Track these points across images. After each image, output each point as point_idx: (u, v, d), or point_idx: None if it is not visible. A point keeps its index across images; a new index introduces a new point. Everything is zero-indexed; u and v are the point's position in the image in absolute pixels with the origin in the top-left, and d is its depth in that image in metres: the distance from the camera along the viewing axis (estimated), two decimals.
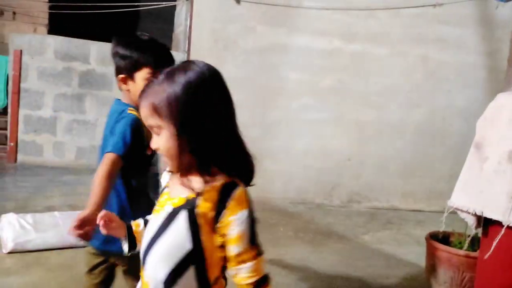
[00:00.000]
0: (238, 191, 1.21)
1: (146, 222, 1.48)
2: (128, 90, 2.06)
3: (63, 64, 7.26)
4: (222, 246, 1.25)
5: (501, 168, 2.42)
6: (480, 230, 2.70)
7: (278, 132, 6.36)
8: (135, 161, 1.93)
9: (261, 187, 5.62)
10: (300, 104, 6.33)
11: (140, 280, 1.36)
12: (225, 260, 1.28)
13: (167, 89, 1.19)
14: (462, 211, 2.71)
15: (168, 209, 1.28)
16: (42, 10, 8.50)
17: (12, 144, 7.25)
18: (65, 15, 8.28)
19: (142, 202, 2.00)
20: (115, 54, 2.07)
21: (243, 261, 1.22)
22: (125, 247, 1.47)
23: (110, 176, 1.81)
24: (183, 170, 1.26)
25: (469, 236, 3.27)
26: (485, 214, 2.49)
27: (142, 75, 2.00)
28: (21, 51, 7.11)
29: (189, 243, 1.22)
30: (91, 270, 2.12)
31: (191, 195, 1.24)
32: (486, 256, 2.40)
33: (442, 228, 3.38)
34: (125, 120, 1.95)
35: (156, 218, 1.32)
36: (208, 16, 6.19)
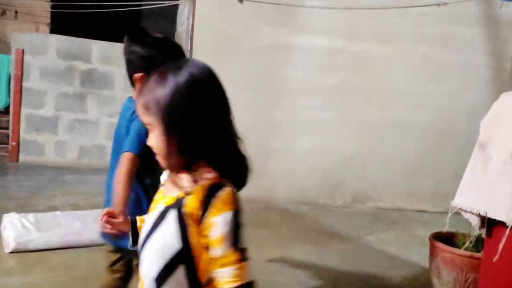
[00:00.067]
0: (224, 192, 1.19)
1: None
2: None
3: (65, 63, 7.27)
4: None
5: (505, 168, 2.40)
6: (484, 231, 2.68)
7: (281, 132, 6.33)
8: (148, 159, 1.95)
9: (264, 187, 5.61)
10: (303, 103, 6.30)
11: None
12: None
13: (156, 89, 1.20)
14: (466, 211, 2.69)
15: (161, 207, 1.29)
16: (44, 9, 8.51)
17: (14, 143, 7.25)
18: (67, 14, 8.28)
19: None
20: (131, 53, 2.05)
21: (224, 265, 1.18)
22: (130, 242, 1.51)
23: (130, 175, 1.91)
24: (174, 169, 1.27)
25: (474, 236, 3.24)
26: (489, 214, 2.47)
27: None
28: (23, 50, 7.12)
29: (178, 242, 1.21)
30: (111, 266, 2.21)
31: (181, 194, 1.23)
32: (495, 259, 2.38)
33: (445, 228, 3.36)
34: (139, 119, 1.98)
35: (150, 215, 1.33)
36: (211, 15, 6.17)
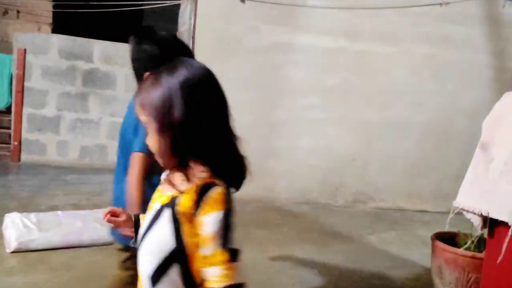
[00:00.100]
0: (215, 191, 1.19)
1: None
2: None
3: (67, 63, 7.27)
4: None
5: (507, 168, 2.40)
6: (486, 231, 2.68)
7: (282, 132, 6.33)
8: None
9: (266, 187, 5.60)
10: (304, 103, 6.30)
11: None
12: None
13: (151, 88, 1.21)
14: (467, 211, 2.69)
15: (157, 206, 1.30)
16: (46, 9, 8.52)
17: (15, 143, 7.26)
18: (69, 14, 8.28)
19: None
20: (141, 52, 2.05)
21: (213, 264, 1.18)
22: (133, 239, 1.52)
23: (142, 175, 1.95)
24: (169, 168, 1.28)
25: (476, 237, 3.24)
26: (491, 215, 2.47)
27: None
28: (25, 50, 7.12)
29: (172, 241, 1.21)
30: (123, 263, 2.23)
31: (176, 193, 1.24)
32: (499, 260, 2.37)
33: (446, 228, 3.36)
34: None
35: (148, 214, 1.34)
36: (212, 15, 6.17)
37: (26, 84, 7.20)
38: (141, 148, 1.94)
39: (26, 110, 7.25)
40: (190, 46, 6.18)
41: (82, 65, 7.31)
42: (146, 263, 1.26)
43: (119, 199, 2.08)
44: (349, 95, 6.36)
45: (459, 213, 2.84)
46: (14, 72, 7.23)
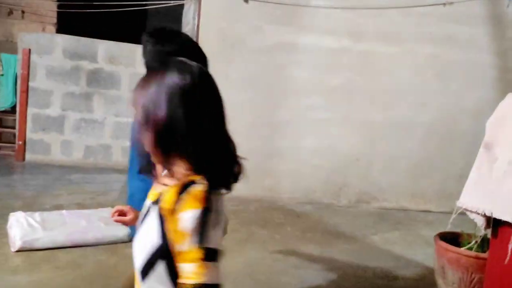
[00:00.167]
0: (195, 189, 1.19)
1: None
2: None
3: (71, 63, 7.29)
4: None
5: (511, 168, 2.40)
6: (489, 231, 2.68)
7: (286, 132, 6.33)
8: None
9: (269, 186, 5.60)
10: (308, 103, 6.30)
11: None
12: None
13: (141, 86, 1.25)
14: (471, 211, 2.69)
15: (147, 203, 1.33)
16: (50, 9, 8.54)
17: (20, 142, 7.28)
18: (73, 14, 8.31)
19: None
20: (164, 53, 2.00)
21: (187, 260, 1.18)
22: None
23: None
24: (157, 163, 1.30)
25: (479, 237, 3.24)
26: (495, 215, 2.47)
27: None
28: (29, 50, 7.15)
29: (158, 238, 1.22)
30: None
31: (163, 190, 1.26)
32: (506, 261, 2.37)
33: (448, 228, 3.36)
34: None
35: (142, 210, 1.37)
36: (216, 15, 6.17)
37: (30, 84, 7.22)
38: None
39: (31, 110, 7.27)
40: None
41: (87, 65, 7.33)
42: (138, 258, 1.29)
43: (133, 196, 2.08)
44: (352, 95, 6.36)
45: (463, 213, 2.84)
46: (19, 72, 7.26)
